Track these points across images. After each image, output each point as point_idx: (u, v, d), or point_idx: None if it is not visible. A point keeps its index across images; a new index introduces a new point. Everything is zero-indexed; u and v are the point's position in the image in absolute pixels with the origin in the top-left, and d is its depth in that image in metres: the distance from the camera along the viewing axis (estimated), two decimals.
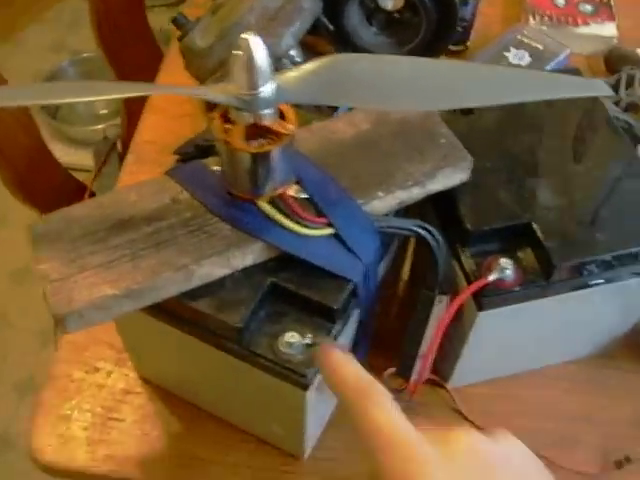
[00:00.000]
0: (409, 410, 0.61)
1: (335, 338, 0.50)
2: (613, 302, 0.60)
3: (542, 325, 0.59)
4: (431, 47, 0.87)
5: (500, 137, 0.60)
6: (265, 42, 0.72)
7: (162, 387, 0.65)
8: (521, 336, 0.59)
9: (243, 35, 0.42)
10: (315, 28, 0.82)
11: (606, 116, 0.63)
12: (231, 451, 0.62)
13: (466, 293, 0.52)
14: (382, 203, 0.52)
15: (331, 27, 0.82)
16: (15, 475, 1.40)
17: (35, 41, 2.08)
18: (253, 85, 0.43)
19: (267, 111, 0.44)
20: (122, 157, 1.11)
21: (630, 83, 0.84)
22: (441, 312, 0.54)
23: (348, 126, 0.55)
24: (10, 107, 0.92)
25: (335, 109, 0.62)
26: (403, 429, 0.34)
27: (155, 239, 0.49)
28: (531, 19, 0.96)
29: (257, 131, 0.46)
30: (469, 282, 0.53)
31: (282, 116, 0.47)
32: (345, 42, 0.87)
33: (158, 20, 1.45)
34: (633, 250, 0.54)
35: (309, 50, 0.90)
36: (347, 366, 0.37)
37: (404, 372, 0.55)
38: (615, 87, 0.85)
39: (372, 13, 0.88)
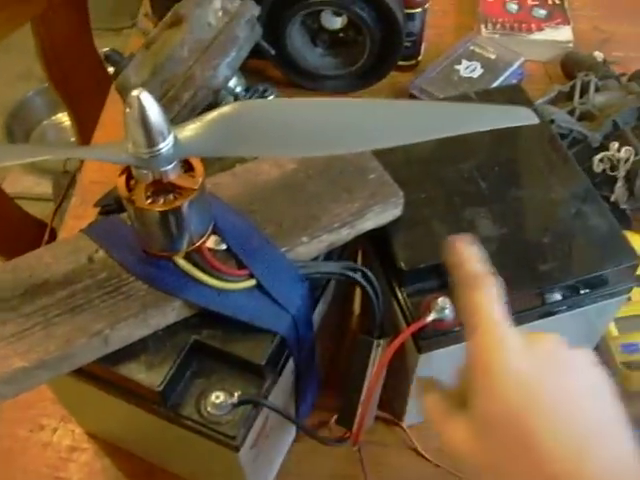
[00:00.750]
0: (365, 451, 0.60)
1: (267, 394, 0.47)
2: (569, 330, 0.58)
3: None
4: (379, 65, 0.85)
5: (436, 166, 0.57)
6: (201, 75, 0.71)
7: (108, 441, 0.63)
8: None
9: (133, 92, 0.39)
10: (261, 52, 0.80)
11: (549, 135, 0.60)
12: None
13: (403, 336, 0.50)
14: (307, 248, 0.49)
15: (272, 52, 0.80)
16: None
17: (3, 70, 2.05)
18: (149, 143, 0.40)
19: (169, 167, 0.42)
20: None
21: (585, 90, 0.82)
22: (381, 356, 0.52)
23: (273, 167, 0.53)
24: None
25: None
26: (497, 315, 0.39)
27: (70, 304, 0.46)
28: (483, 28, 0.93)
29: (163, 187, 0.43)
30: (408, 324, 0.51)
31: (190, 166, 0.44)
32: (289, 65, 0.85)
33: (125, 43, 1.43)
34: (578, 279, 0.52)
35: (257, 75, 0.88)
36: (469, 258, 0.42)
37: (344, 421, 0.52)
38: (570, 95, 0.83)
39: (316, 34, 0.85)
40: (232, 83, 0.75)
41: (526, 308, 0.52)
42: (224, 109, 0.42)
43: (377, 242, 0.55)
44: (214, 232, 0.48)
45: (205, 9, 0.72)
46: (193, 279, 0.46)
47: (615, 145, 0.73)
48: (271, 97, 0.80)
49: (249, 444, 0.48)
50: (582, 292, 0.53)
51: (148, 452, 0.60)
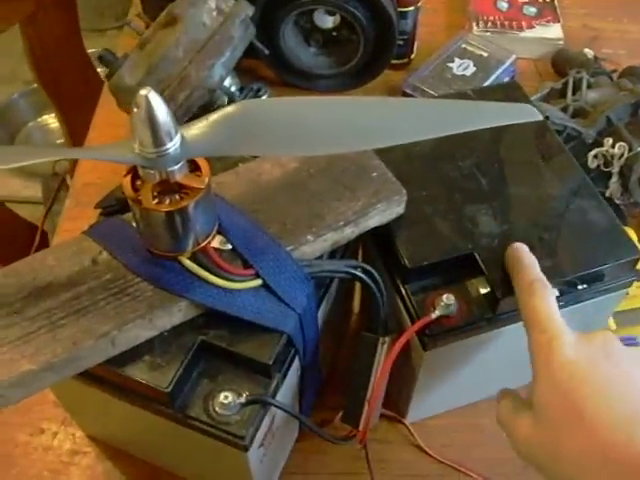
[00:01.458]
0: (368, 448, 0.60)
1: (274, 393, 0.47)
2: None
3: (494, 356, 0.56)
4: (372, 64, 0.85)
5: (437, 163, 0.58)
6: (196, 75, 0.71)
7: (110, 445, 0.62)
8: (473, 368, 0.57)
9: (141, 91, 0.39)
10: (255, 51, 0.80)
11: (546, 131, 0.61)
12: None
13: (408, 333, 0.50)
14: (312, 247, 0.49)
15: (266, 51, 0.80)
16: None
17: None
18: (157, 142, 0.40)
19: (175, 167, 0.42)
20: None
21: (578, 87, 0.82)
22: (386, 353, 0.52)
23: (275, 166, 0.53)
24: None
25: None
26: (553, 315, 0.44)
27: (75, 306, 0.46)
28: (475, 26, 0.94)
29: (169, 186, 0.43)
30: (412, 321, 0.51)
31: (196, 166, 0.44)
32: (283, 64, 0.85)
33: (110, 44, 1.41)
34: (579, 274, 0.52)
35: (250, 75, 0.88)
36: (527, 265, 0.48)
37: (350, 419, 0.52)
38: (562, 92, 0.83)
39: (309, 33, 0.85)
40: (227, 83, 0.75)
41: None
42: (229, 109, 0.42)
43: (379, 240, 0.55)
44: (219, 232, 0.48)
45: (199, 9, 0.71)
46: (199, 279, 0.46)
47: (609, 141, 0.73)
48: (265, 96, 0.80)
49: (257, 443, 0.48)
50: (580, 287, 0.54)
51: (152, 454, 0.60)
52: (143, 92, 0.39)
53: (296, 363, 0.50)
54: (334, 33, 0.85)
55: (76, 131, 1.10)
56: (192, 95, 0.70)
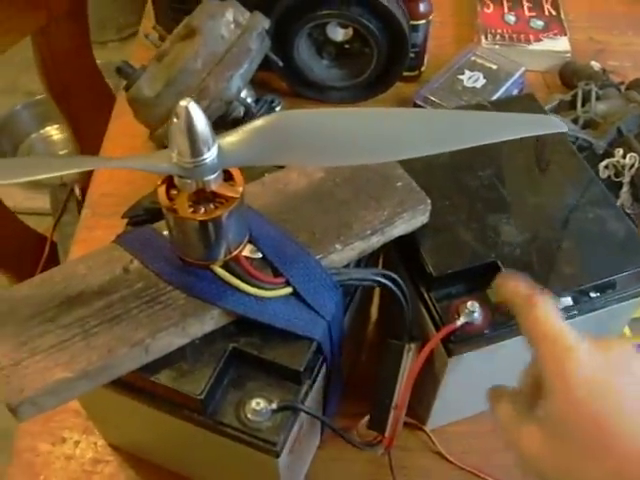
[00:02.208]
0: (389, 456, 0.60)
1: (304, 399, 0.48)
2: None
3: (517, 361, 0.57)
4: (384, 76, 0.86)
5: (457, 173, 0.59)
6: (215, 87, 0.71)
7: (132, 453, 0.63)
8: (496, 374, 0.57)
9: (182, 102, 0.40)
10: (268, 64, 0.81)
11: (563, 141, 0.62)
12: None
13: (434, 340, 0.51)
14: (340, 256, 0.50)
15: (280, 63, 0.81)
16: None
17: None
18: (195, 152, 0.41)
19: (212, 176, 0.42)
20: (81, 203, 1.09)
21: (587, 99, 0.84)
22: (412, 360, 0.53)
23: (301, 176, 0.54)
24: None
25: None
26: (560, 324, 0.41)
27: (108, 314, 0.47)
28: (483, 39, 0.95)
29: (204, 196, 0.44)
30: (437, 328, 0.52)
31: (229, 176, 0.45)
32: (296, 77, 0.86)
33: (112, 56, 1.42)
34: (601, 281, 0.53)
35: (263, 87, 0.89)
36: (517, 285, 0.44)
37: (377, 425, 0.53)
38: (571, 104, 0.84)
39: (322, 46, 0.87)
40: (243, 94, 0.76)
41: None
42: (264, 120, 0.43)
43: (402, 248, 0.56)
44: (249, 241, 0.49)
45: (218, 21, 0.72)
46: (231, 288, 0.47)
47: (620, 152, 0.74)
48: (278, 108, 0.81)
49: (287, 450, 0.48)
50: (593, 295, 0.54)
51: (176, 462, 0.60)
52: (183, 103, 0.40)
53: (323, 370, 0.51)
54: (346, 46, 0.87)
55: (86, 142, 1.11)
56: (210, 106, 0.71)
